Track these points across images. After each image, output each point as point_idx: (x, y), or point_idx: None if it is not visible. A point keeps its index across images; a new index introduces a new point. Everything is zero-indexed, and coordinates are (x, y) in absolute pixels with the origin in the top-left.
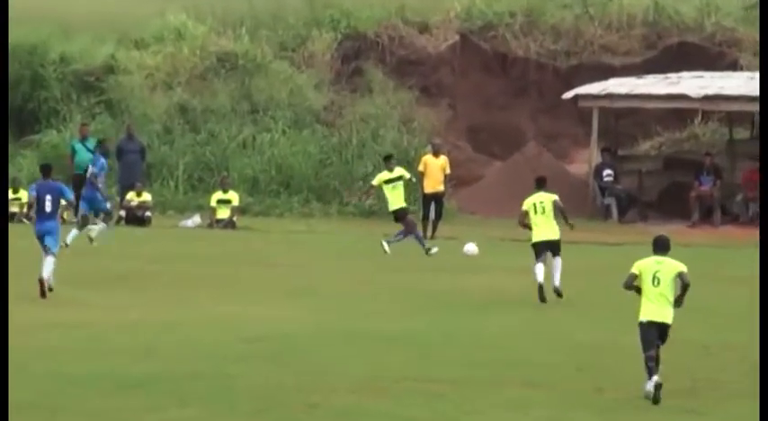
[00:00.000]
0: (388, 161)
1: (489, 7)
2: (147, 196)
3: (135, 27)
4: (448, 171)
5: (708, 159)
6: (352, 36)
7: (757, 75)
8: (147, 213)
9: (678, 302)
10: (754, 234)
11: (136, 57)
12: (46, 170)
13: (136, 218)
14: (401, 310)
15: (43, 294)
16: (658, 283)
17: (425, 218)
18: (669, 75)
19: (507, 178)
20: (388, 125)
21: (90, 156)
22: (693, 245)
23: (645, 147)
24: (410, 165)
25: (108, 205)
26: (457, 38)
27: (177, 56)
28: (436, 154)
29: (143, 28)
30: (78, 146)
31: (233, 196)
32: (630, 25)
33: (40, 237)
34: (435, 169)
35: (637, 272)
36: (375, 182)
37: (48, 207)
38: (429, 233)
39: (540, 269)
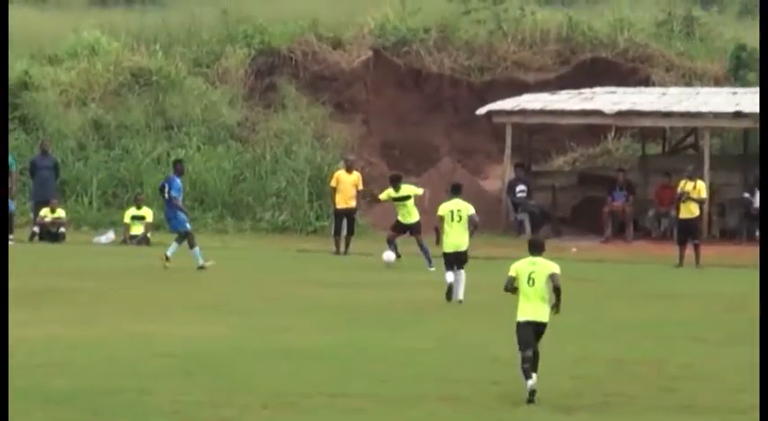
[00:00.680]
0: (393, 181)
1: (403, 23)
2: (61, 212)
3: (49, 43)
4: (360, 187)
5: (621, 175)
6: (266, 52)
7: (669, 90)
8: (62, 229)
9: (555, 308)
10: (665, 249)
11: (50, 73)
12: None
13: (50, 234)
14: (316, 326)
15: None
16: (533, 283)
17: (337, 233)
18: (582, 90)
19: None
20: (302, 141)
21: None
22: (606, 260)
23: (558, 162)
24: (323, 181)
25: (188, 226)
26: (370, 54)
27: (91, 72)
28: (349, 169)
29: (57, 44)
30: None
31: (147, 212)
32: (544, 41)
33: None
34: (348, 185)
35: (514, 274)
36: (382, 196)
37: None
38: (342, 248)
39: (451, 275)
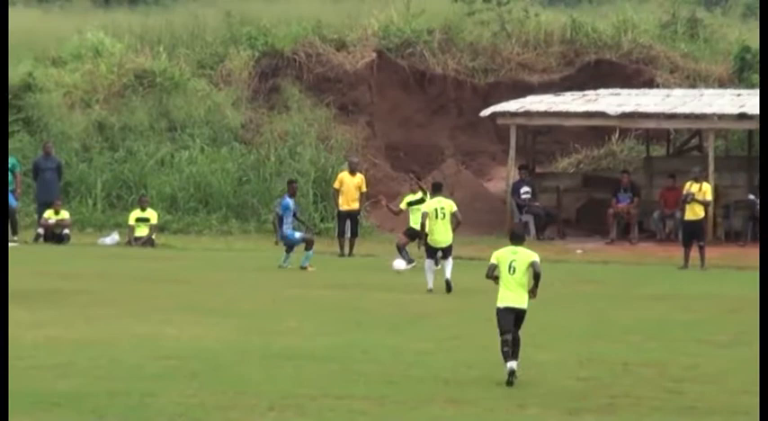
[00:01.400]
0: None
1: (407, 24)
2: (65, 214)
3: (52, 45)
4: (364, 189)
5: (625, 176)
6: (270, 53)
7: (673, 92)
8: (66, 231)
9: (532, 293)
10: (670, 251)
11: (54, 74)
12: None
13: (54, 235)
14: (320, 327)
15: None
16: (514, 271)
17: (341, 235)
18: (587, 92)
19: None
20: (306, 142)
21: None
22: (611, 262)
23: (563, 164)
24: (327, 182)
25: (297, 236)
26: (374, 55)
27: (95, 73)
28: (353, 172)
29: (61, 46)
30: None
31: (151, 214)
32: (548, 43)
33: None
34: (351, 187)
35: (495, 261)
36: (402, 206)
37: None
38: (346, 250)
39: (431, 263)
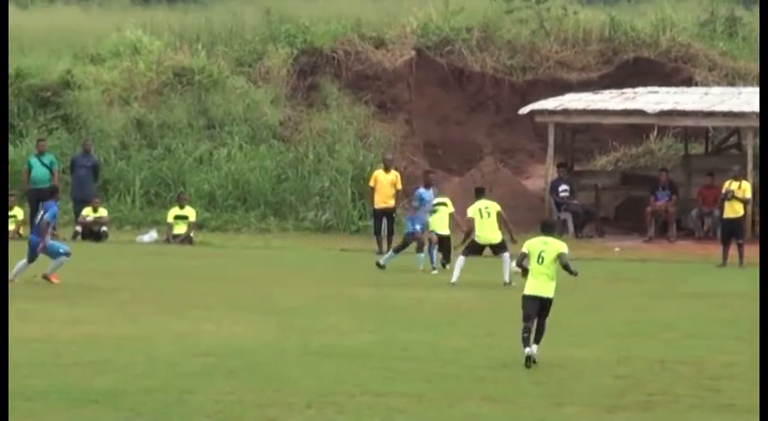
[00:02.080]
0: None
1: (446, 23)
2: (103, 211)
3: (91, 42)
4: (399, 186)
5: (663, 175)
6: (309, 51)
7: (711, 90)
8: (104, 228)
9: (570, 271)
10: (708, 249)
11: (92, 72)
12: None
13: (92, 233)
14: (358, 325)
15: None
16: (542, 262)
17: (377, 233)
18: (625, 90)
19: (464, 193)
20: (345, 140)
21: (46, 171)
22: (649, 260)
23: (601, 162)
24: (366, 180)
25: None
26: (413, 53)
27: (134, 71)
28: (387, 169)
29: (99, 43)
30: (34, 161)
31: (190, 212)
32: (587, 41)
33: None
34: (386, 184)
35: (527, 251)
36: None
37: None
38: (384, 248)
39: (462, 259)
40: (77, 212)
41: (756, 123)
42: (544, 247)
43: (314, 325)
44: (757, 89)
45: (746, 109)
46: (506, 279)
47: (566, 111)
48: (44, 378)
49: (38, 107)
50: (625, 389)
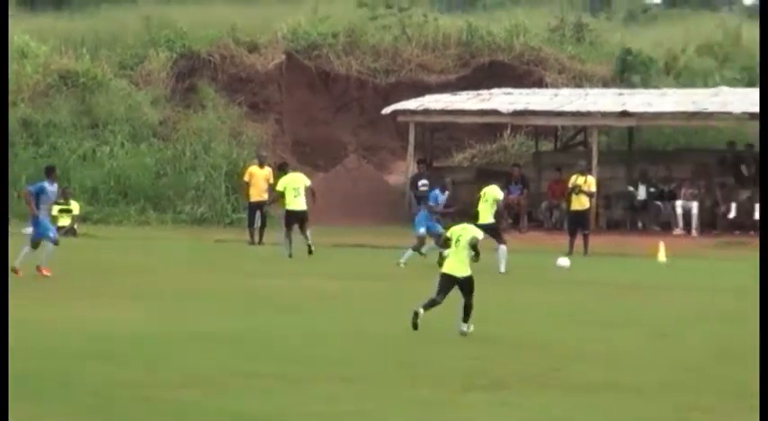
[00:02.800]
0: (281, 168)
1: (314, 28)
2: None
3: None
4: (272, 181)
5: (516, 170)
6: (187, 55)
7: (560, 91)
8: None
9: (476, 252)
10: (557, 239)
11: None
12: None
13: None
14: (232, 311)
15: None
16: (458, 244)
17: (251, 224)
18: (481, 91)
19: (329, 188)
20: (219, 138)
21: None
22: None
23: (458, 158)
24: (239, 176)
25: (421, 231)
26: (283, 57)
27: (21, 74)
28: (261, 165)
29: None
30: None
31: (74, 206)
32: (445, 45)
33: None
34: (260, 179)
35: (449, 235)
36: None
37: None
38: (257, 239)
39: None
40: None
41: (600, 122)
42: (462, 232)
43: (190, 311)
44: (603, 90)
45: (592, 109)
46: (502, 269)
47: (425, 111)
48: None
49: None
50: (480, 370)
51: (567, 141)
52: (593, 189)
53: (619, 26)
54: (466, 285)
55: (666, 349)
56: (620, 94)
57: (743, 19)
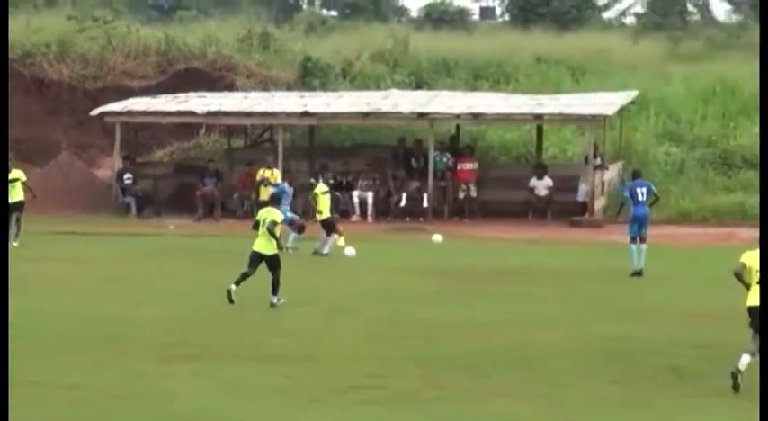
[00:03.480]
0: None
1: (27, 38)
2: None
3: None
4: None
5: (210, 164)
6: None
7: (250, 94)
8: None
9: (272, 234)
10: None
11: None
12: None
13: None
14: None
15: None
16: (262, 225)
17: None
18: (178, 95)
19: (44, 182)
20: None
21: None
22: (200, 235)
23: (159, 154)
24: None
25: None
26: None
27: None
28: None
29: None
30: None
31: None
32: (146, 54)
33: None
34: None
35: (258, 218)
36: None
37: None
38: None
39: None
40: None
41: (285, 121)
42: (266, 215)
43: None
44: (287, 93)
45: (278, 109)
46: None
47: (129, 113)
48: None
49: None
50: (176, 342)
51: (255, 139)
52: (279, 181)
53: (300, 36)
54: (271, 263)
55: (348, 323)
56: (302, 97)
57: (410, 29)
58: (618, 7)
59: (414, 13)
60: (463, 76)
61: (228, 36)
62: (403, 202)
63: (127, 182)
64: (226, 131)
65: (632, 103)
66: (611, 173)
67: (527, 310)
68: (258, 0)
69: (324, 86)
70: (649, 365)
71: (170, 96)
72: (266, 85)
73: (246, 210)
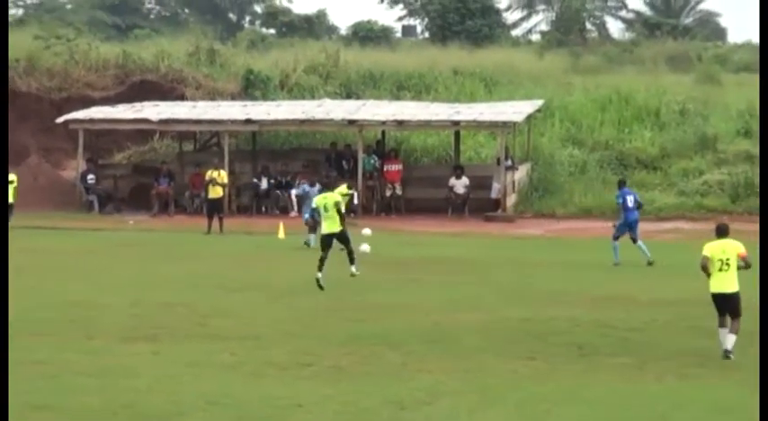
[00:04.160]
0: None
1: None
2: None
3: None
4: None
5: (164, 166)
6: None
7: (198, 104)
8: None
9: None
10: (197, 221)
11: None
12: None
13: None
14: None
15: None
16: (326, 210)
17: None
18: (135, 104)
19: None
20: None
21: None
22: (155, 230)
23: (118, 157)
24: None
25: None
26: None
27: None
28: None
29: None
30: None
31: None
32: (106, 67)
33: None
34: None
35: (317, 204)
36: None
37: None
38: None
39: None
40: None
41: (230, 128)
42: (325, 201)
43: None
44: (231, 102)
45: (224, 117)
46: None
47: (91, 120)
48: None
49: None
50: (138, 325)
51: (204, 143)
52: (226, 181)
53: (243, 52)
54: (342, 237)
55: (288, 307)
56: (245, 106)
57: (340, 46)
58: (525, 26)
59: (343, 31)
60: (388, 87)
61: (179, 52)
62: None
63: (90, 182)
64: (177, 137)
65: (539, 110)
66: (521, 173)
67: (448, 295)
68: (205, 19)
69: (264, 96)
70: (557, 343)
71: (127, 105)
72: (213, 95)
73: (197, 207)
